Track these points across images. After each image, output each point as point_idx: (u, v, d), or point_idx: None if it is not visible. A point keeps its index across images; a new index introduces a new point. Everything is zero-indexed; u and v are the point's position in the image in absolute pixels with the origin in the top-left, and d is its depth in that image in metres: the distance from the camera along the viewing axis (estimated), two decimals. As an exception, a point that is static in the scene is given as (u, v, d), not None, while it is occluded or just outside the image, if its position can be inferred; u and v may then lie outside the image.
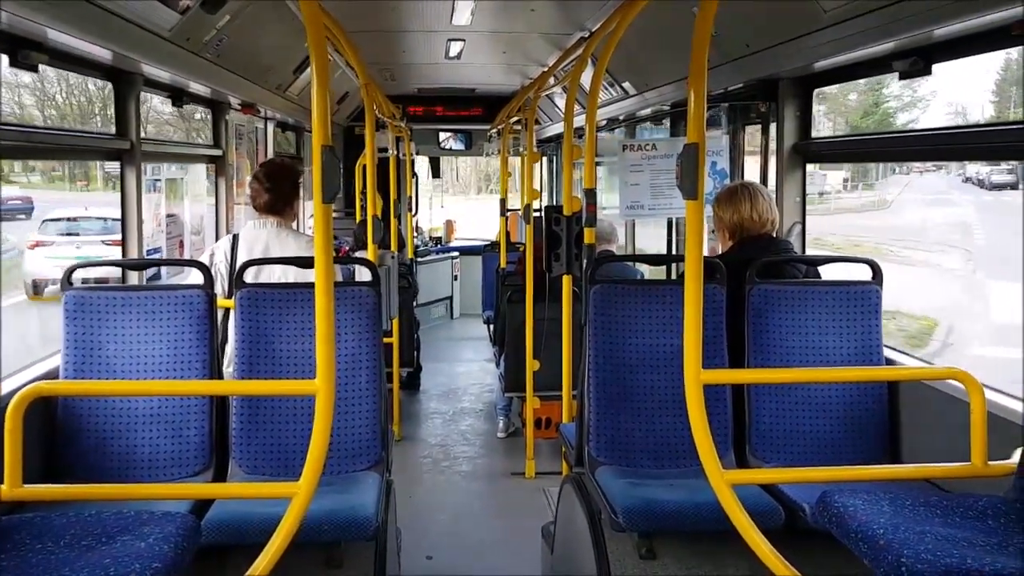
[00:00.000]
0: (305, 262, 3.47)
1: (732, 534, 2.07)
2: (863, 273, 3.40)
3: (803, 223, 4.14)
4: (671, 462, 3.24)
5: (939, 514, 2.09)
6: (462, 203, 26.48)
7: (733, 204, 3.55)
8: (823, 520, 2.19)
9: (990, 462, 2.26)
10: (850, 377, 3.26)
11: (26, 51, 3.02)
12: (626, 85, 5.97)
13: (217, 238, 5.64)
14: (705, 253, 3.34)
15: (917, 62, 3.10)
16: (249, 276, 3.68)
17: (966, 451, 2.32)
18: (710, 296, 3.20)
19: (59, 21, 2.83)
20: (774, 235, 3.57)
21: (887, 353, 3.35)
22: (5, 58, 3.01)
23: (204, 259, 3.93)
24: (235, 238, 3.91)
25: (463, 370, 8.91)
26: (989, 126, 3.11)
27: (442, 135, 11.14)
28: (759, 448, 3.26)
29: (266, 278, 3.72)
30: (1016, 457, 2.22)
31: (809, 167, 4.16)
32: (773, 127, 4.26)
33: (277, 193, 3.86)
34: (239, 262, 3.64)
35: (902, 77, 3.25)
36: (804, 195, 4.14)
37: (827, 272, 3.63)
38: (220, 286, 3.79)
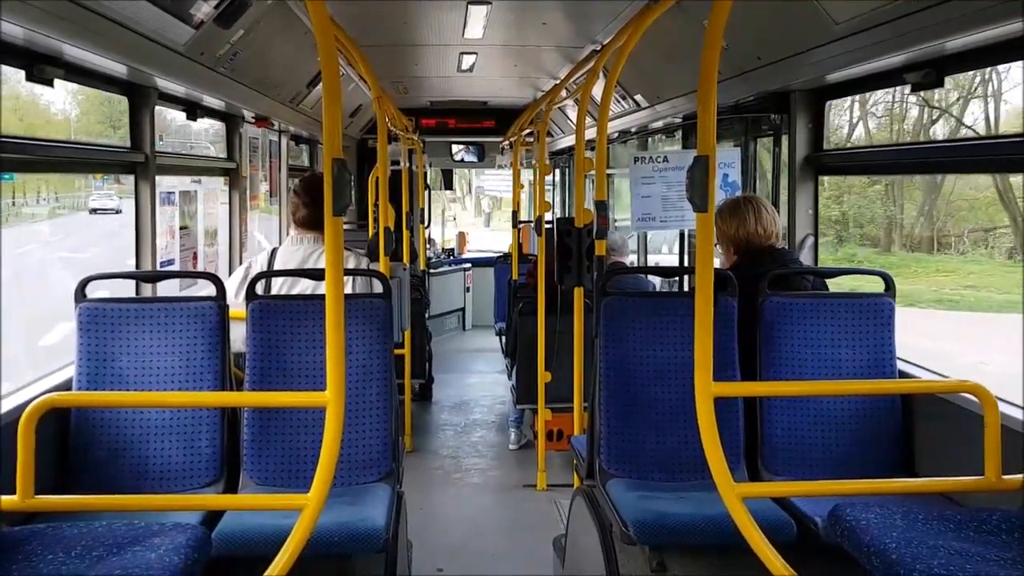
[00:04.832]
0: (318, 274, 3.48)
1: (743, 548, 2.06)
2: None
3: (815, 236, 4.13)
4: (682, 475, 3.23)
5: (952, 528, 2.07)
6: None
7: (738, 218, 3.55)
8: (835, 534, 2.18)
9: (1004, 476, 2.24)
10: (863, 390, 3.24)
11: (42, 66, 3.06)
12: (638, 98, 5.98)
13: (231, 248, 5.68)
14: (716, 265, 3.34)
15: (929, 74, 3.10)
16: (284, 289, 3.70)
17: (980, 465, 2.30)
18: (722, 308, 3.19)
19: (75, 36, 2.87)
20: (776, 247, 3.57)
21: (900, 366, 3.33)
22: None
23: (240, 271, 3.94)
24: (273, 252, 3.92)
25: (475, 382, 8.91)
26: (1016, 136, 3.06)
27: (454, 147, 11.18)
28: (771, 461, 3.24)
29: (300, 291, 3.73)
30: None
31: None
32: (785, 139, 4.26)
33: (316, 207, 3.80)
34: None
35: (914, 89, 3.25)
36: (816, 207, 4.13)
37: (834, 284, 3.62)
38: None
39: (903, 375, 3.33)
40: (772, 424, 3.24)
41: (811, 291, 3.46)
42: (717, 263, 4.68)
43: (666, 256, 8.32)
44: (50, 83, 3.15)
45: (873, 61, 3.17)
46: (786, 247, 3.65)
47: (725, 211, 3.59)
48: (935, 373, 3.35)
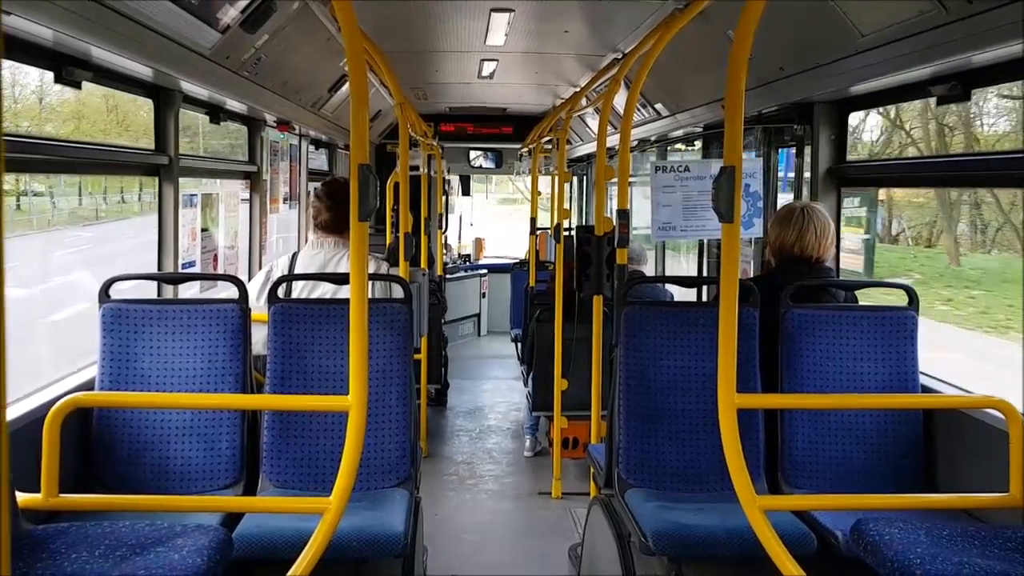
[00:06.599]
0: (340, 278, 3.49)
1: (764, 561, 2.05)
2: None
3: (837, 247, 4.10)
4: (702, 486, 3.22)
5: (977, 545, 2.06)
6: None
7: (781, 227, 3.51)
8: (857, 548, 2.16)
9: (1030, 493, 2.22)
10: (886, 404, 3.22)
11: (71, 68, 3.09)
12: (658, 106, 5.98)
13: (250, 250, 5.71)
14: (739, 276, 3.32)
15: (955, 87, 3.07)
16: (304, 293, 3.72)
17: (1003, 481, 2.28)
18: (744, 319, 3.18)
19: (104, 39, 2.89)
20: (814, 261, 3.52)
21: (923, 380, 3.30)
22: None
23: (261, 275, 3.96)
24: (294, 256, 3.94)
25: (490, 388, 8.91)
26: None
27: (472, 153, 11.21)
28: (791, 474, 3.22)
29: (319, 295, 3.75)
30: None
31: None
32: (807, 150, 4.24)
33: (338, 212, 3.81)
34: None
35: (939, 103, 3.23)
36: (839, 219, 4.11)
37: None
38: None
39: (926, 389, 3.30)
40: (793, 437, 3.22)
41: (835, 304, 3.43)
42: (745, 271, 4.65)
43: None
44: (78, 85, 3.18)
45: (898, 73, 3.15)
46: (830, 266, 3.58)
47: (778, 217, 3.55)
48: (959, 388, 3.32)
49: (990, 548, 2.03)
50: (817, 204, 3.65)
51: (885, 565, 2.00)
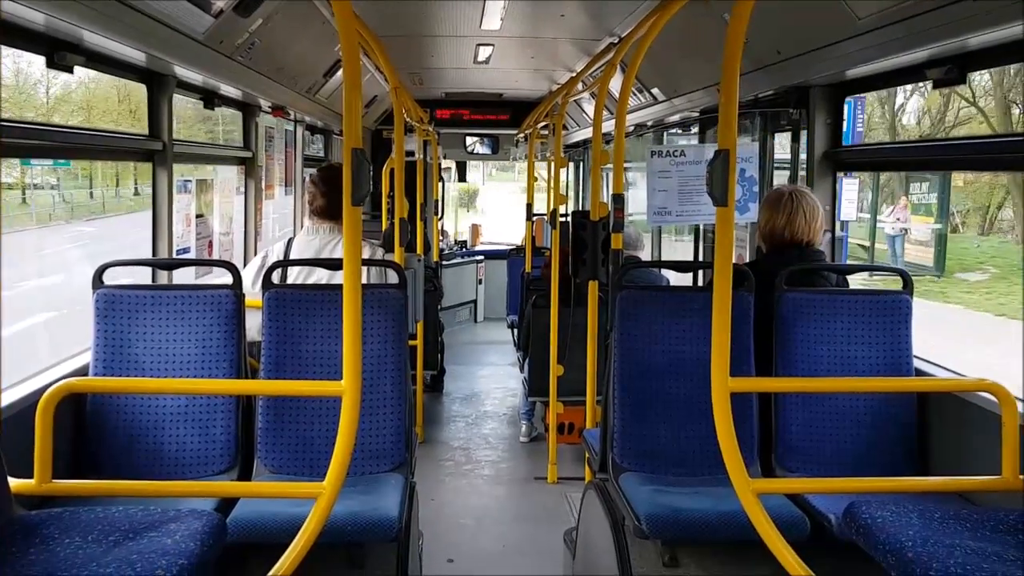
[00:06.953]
0: (335, 264, 3.49)
1: (757, 544, 2.06)
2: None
3: (832, 232, 4.10)
4: (696, 470, 3.22)
5: (969, 528, 2.06)
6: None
7: (771, 212, 3.50)
8: (850, 531, 2.17)
9: (1022, 475, 2.23)
10: (879, 387, 3.22)
11: (62, 52, 3.07)
12: (655, 91, 5.96)
13: (246, 236, 5.69)
14: (734, 260, 3.32)
15: (951, 70, 3.07)
16: (300, 279, 3.71)
17: (996, 464, 2.28)
18: (738, 304, 3.17)
19: (96, 23, 2.87)
20: (804, 245, 3.51)
21: (917, 364, 3.31)
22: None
23: (257, 260, 3.96)
24: (290, 242, 3.93)
25: (486, 374, 8.92)
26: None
27: (469, 139, 11.18)
28: (785, 458, 3.23)
29: (315, 281, 3.74)
30: None
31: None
32: (804, 134, 4.23)
33: (333, 197, 3.82)
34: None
35: (936, 86, 3.22)
36: (834, 203, 4.11)
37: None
38: None
39: (920, 373, 3.30)
40: (786, 421, 3.23)
41: (829, 287, 3.43)
42: (740, 257, 4.65)
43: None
44: (70, 70, 3.16)
45: (895, 57, 3.15)
46: (820, 248, 3.57)
47: (768, 202, 3.54)
48: (952, 372, 3.32)
49: (982, 530, 2.04)
50: (806, 188, 3.64)
51: (877, 548, 2.00)
